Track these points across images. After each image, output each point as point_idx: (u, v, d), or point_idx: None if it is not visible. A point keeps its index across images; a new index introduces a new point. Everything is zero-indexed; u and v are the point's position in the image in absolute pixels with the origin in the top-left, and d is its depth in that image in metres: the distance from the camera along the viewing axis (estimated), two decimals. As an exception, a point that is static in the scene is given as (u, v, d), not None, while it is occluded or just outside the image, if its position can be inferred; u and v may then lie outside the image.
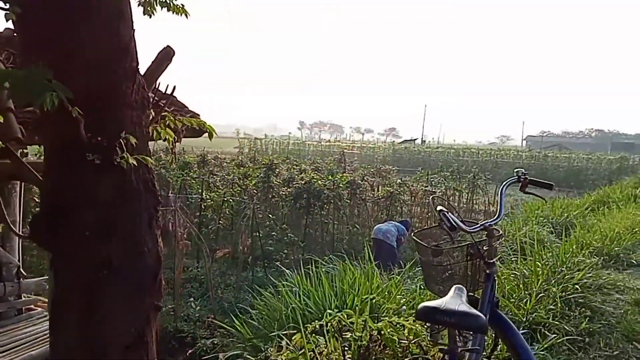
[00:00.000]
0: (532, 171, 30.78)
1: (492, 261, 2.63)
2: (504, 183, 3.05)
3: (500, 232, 2.77)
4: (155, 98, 2.13)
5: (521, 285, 5.00)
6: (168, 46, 2.07)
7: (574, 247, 6.87)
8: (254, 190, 10.85)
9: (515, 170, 3.07)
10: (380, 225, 9.39)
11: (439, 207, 2.61)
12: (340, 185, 10.52)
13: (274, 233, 9.54)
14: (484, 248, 2.62)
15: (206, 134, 2.40)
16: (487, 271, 2.62)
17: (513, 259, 6.19)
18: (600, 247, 7.01)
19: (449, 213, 2.55)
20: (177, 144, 2.23)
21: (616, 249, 6.79)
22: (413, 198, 13.05)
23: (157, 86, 2.15)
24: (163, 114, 2.16)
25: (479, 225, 2.73)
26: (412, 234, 3.18)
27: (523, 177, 3.02)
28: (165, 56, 2.07)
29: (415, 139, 65.95)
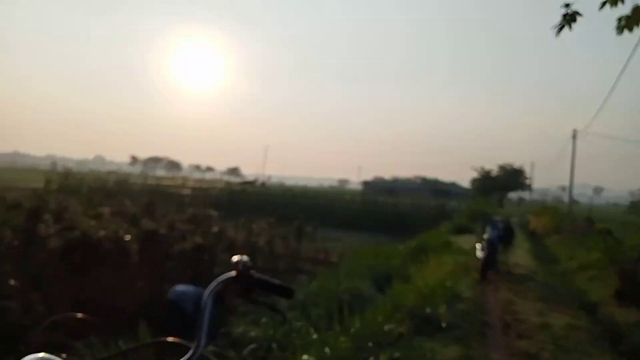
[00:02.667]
0: (364, 215, 32.10)
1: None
2: (210, 288, 1.46)
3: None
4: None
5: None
6: None
7: (389, 309, 6.02)
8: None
9: (235, 260, 1.49)
10: (179, 286, 7.46)
11: None
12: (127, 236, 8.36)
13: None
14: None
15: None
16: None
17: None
18: (413, 308, 6.22)
19: None
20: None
21: (427, 310, 6.03)
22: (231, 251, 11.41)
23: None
24: None
25: None
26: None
27: (245, 272, 1.47)
28: None
29: (254, 180, 65.60)
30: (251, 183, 59.55)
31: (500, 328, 6.09)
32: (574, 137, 35.59)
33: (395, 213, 33.48)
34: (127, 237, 8.35)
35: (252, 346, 4.49)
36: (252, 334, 4.92)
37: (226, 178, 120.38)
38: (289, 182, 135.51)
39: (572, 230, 21.47)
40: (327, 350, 4.02)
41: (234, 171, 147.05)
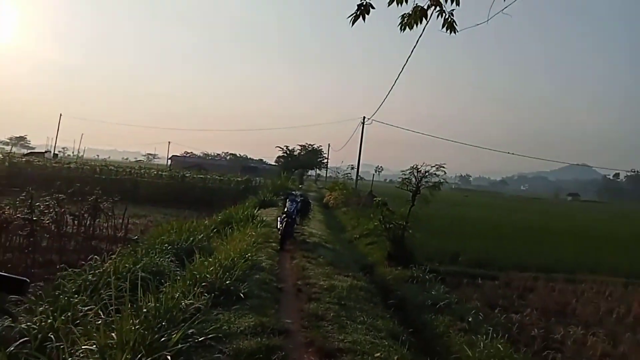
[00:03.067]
0: (171, 191, 30.74)
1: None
2: None
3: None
4: None
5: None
6: None
7: (188, 283, 5.94)
8: None
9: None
10: None
11: None
12: None
13: None
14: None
15: None
16: None
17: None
18: (214, 281, 6.28)
19: None
20: None
21: (227, 282, 6.18)
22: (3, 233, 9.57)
23: None
24: None
25: None
26: None
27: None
28: None
29: (45, 152, 56.44)
30: (39, 154, 50.51)
31: (293, 293, 6.66)
32: (363, 123, 40.68)
33: (204, 188, 32.91)
34: None
35: (21, 341, 3.88)
36: (23, 326, 4.25)
37: (8, 149, 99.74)
38: (89, 155, 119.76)
39: (358, 203, 24.69)
40: (113, 335, 3.75)
41: (20, 140, 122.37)
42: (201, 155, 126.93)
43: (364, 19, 4.65)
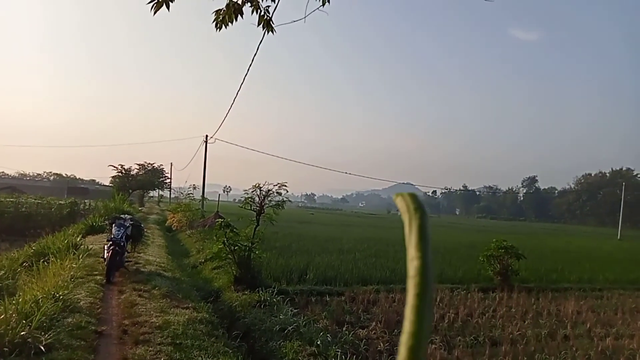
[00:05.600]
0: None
1: None
2: None
3: None
4: None
5: None
6: None
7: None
8: None
9: None
10: None
11: None
12: None
13: None
14: None
15: None
16: None
17: None
18: (3, 332, 4.86)
19: None
20: None
21: (23, 332, 4.81)
22: None
23: None
24: None
25: None
26: None
27: None
28: None
29: None
30: None
31: (117, 337, 5.55)
32: (206, 141, 39.41)
33: (15, 214, 27.77)
34: None
35: None
36: None
37: None
38: None
39: (203, 225, 23.40)
40: None
41: None
42: (16, 175, 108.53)
43: (167, 6, 3.85)
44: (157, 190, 62.98)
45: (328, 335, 6.48)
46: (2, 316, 5.16)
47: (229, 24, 4.05)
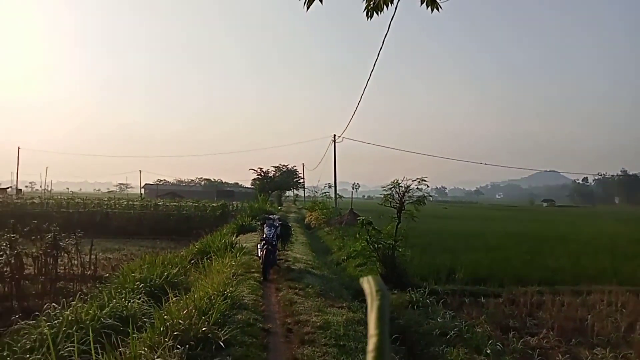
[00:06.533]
0: (145, 221, 29.37)
1: None
2: None
3: None
4: None
5: None
6: None
7: (159, 332, 5.02)
8: None
9: None
10: None
11: None
12: None
13: None
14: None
15: None
16: None
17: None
18: (188, 327, 5.35)
19: None
20: None
21: (204, 328, 5.24)
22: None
23: None
24: None
25: None
26: None
27: None
28: None
29: (8, 188, 54.00)
30: (2, 190, 48.30)
31: (283, 335, 5.77)
32: (334, 141, 40.37)
33: (179, 216, 31.63)
34: None
35: None
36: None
37: None
38: (60, 188, 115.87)
39: (340, 222, 23.93)
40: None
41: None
42: (175, 182, 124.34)
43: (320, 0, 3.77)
44: (292, 190, 66.54)
45: (498, 344, 5.92)
46: (185, 311, 5.71)
47: (384, 8, 3.82)
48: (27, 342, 5.75)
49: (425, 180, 11.88)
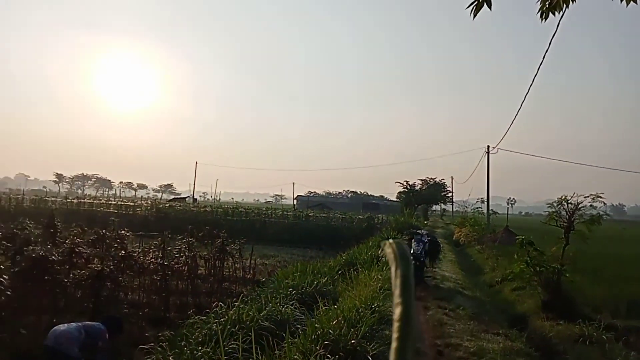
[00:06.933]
0: (297, 230, 31.36)
1: None
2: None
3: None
4: None
5: None
6: None
7: (310, 340, 5.26)
8: None
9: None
10: (60, 326, 6.32)
11: None
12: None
13: None
14: None
15: None
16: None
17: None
18: (337, 338, 5.49)
19: None
20: None
21: (352, 341, 5.31)
22: (141, 277, 10.12)
23: None
24: None
25: None
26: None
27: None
28: None
29: (186, 197, 62.77)
30: (181, 200, 56.81)
31: (432, 357, 5.53)
32: (488, 152, 37.56)
33: (327, 227, 33.06)
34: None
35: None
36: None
37: (159, 196, 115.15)
38: (225, 199, 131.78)
39: (493, 240, 22.21)
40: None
41: (168, 188, 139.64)
42: (324, 194, 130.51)
43: (489, 5, 3.50)
44: (440, 204, 64.28)
45: None
46: (335, 321, 5.88)
47: (564, 6, 3.44)
48: (199, 336, 6.56)
49: (601, 197, 10.45)
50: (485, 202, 40.01)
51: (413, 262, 9.51)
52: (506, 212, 40.15)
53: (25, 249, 9.18)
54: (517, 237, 11.88)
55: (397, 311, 0.63)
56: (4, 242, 10.24)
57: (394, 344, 0.62)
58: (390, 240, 0.68)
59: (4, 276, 7.19)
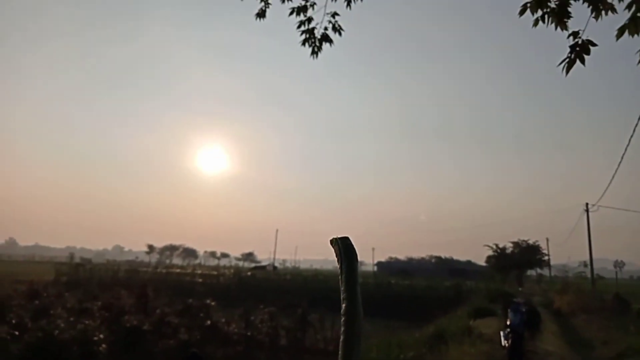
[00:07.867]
0: (378, 299, 30.31)
1: None
2: None
3: None
4: None
5: None
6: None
7: None
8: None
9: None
10: None
11: None
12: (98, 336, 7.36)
13: None
14: None
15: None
16: None
17: None
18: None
19: None
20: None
21: None
22: (226, 347, 10.22)
23: None
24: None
25: None
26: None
27: None
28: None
29: (267, 265, 63.83)
30: (262, 268, 58.11)
31: None
32: (587, 210, 34.27)
33: (410, 295, 31.71)
34: (98, 337, 7.32)
35: None
36: None
37: (241, 264, 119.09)
38: (304, 266, 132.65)
39: (602, 309, 19.69)
40: None
41: (249, 256, 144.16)
42: (405, 259, 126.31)
43: (582, 62, 3.43)
44: (535, 269, 59.19)
45: None
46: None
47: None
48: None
49: None
50: (589, 266, 36.17)
51: (511, 334, 8.64)
52: (614, 276, 35.98)
53: (120, 318, 9.75)
54: (633, 305, 10.47)
55: (343, 306, 0.67)
56: (103, 311, 10.97)
57: (342, 337, 0.66)
58: (336, 237, 0.69)
59: (103, 345, 7.61)
